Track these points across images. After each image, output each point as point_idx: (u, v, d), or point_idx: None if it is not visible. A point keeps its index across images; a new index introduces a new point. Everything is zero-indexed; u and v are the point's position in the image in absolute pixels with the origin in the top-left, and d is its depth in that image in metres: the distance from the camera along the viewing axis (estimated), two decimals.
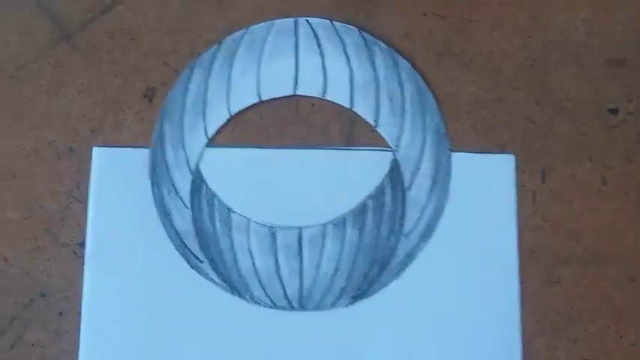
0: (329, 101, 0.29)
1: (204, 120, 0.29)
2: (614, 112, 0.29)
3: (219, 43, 0.29)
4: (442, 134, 0.29)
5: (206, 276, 0.28)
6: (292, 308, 0.27)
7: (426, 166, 0.29)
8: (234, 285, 0.27)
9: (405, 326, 0.27)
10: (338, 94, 0.29)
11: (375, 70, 0.29)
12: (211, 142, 0.29)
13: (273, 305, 0.27)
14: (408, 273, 0.28)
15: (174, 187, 0.28)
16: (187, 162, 0.28)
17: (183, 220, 0.28)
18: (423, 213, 0.28)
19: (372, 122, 0.29)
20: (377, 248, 0.28)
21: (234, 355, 0.27)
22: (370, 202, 0.28)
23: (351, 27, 0.29)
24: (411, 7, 0.30)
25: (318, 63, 0.29)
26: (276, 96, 0.29)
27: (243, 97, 0.29)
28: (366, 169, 0.28)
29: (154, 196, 0.28)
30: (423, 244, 0.28)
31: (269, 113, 0.29)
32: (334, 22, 0.29)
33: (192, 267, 0.28)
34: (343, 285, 0.28)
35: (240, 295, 0.27)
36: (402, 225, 0.28)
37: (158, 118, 0.29)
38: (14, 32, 0.29)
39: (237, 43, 0.29)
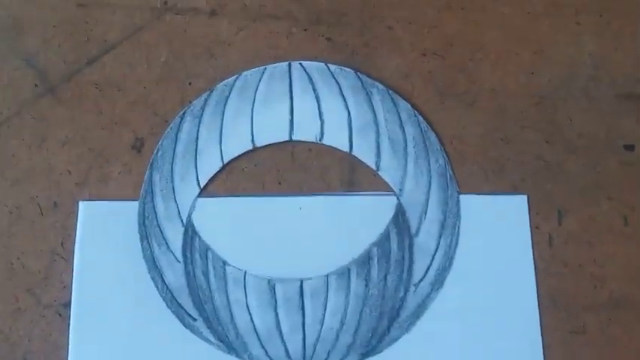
0: (327, 146, 0.43)
1: (195, 169, 0.43)
2: (630, 148, 0.44)
3: (211, 90, 0.44)
4: (449, 177, 0.43)
5: (200, 335, 0.40)
6: None
7: (434, 211, 0.42)
8: (231, 344, 0.40)
9: None
10: (336, 138, 0.44)
11: (374, 112, 0.44)
12: (204, 192, 0.43)
13: None
14: (419, 326, 0.41)
15: (164, 240, 0.42)
16: (179, 213, 0.42)
17: (175, 276, 0.41)
18: (433, 260, 0.42)
19: (373, 166, 0.43)
20: (385, 300, 0.41)
21: None
22: (375, 250, 0.42)
23: (346, 69, 0.45)
24: (409, 47, 0.45)
25: (314, 107, 0.44)
26: (270, 142, 0.43)
27: (237, 144, 0.43)
28: (369, 215, 0.42)
29: (144, 250, 0.42)
30: (435, 294, 0.41)
31: (264, 160, 0.43)
32: (329, 64, 0.45)
33: (185, 326, 0.41)
34: (350, 341, 0.40)
35: (238, 355, 0.40)
36: (410, 274, 0.41)
37: (147, 169, 0.43)
38: None
39: (228, 89, 0.44)
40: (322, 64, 0.44)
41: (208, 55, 0.45)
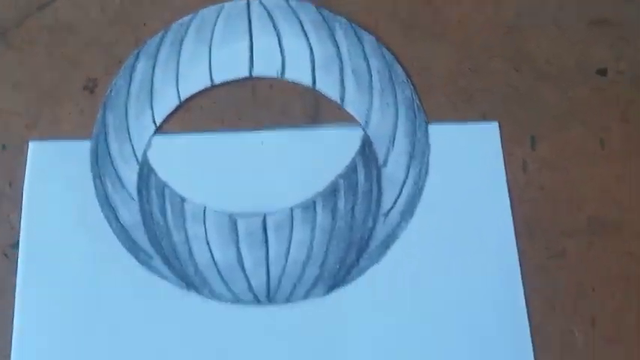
0: (289, 81, 0.47)
1: (151, 108, 0.46)
2: (602, 72, 0.47)
3: (166, 29, 0.48)
4: (416, 107, 0.46)
5: (157, 272, 0.42)
6: (259, 302, 0.42)
7: (401, 141, 0.45)
8: (190, 281, 0.42)
9: (390, 315, 0.41)
10: (298, 74, 0.47)
11: (337, 46, 0.47)
12: (160, 131, 0.45)
13: (237, 300, 0.42)
14: (389, 256, 0.43)
15: (119, 179, 0.44)
16: (134, 151, 0.45)
17: (130, 214, 0.43)
18: (402, 190, 0.44)
19: (337, 100, 0.46)
20: (353, 231, 0.43)
21: (193, 358, 0.40)
22: (342, 182, 0.44)
23: (307, 4, 0.48)
24: None
25: (275, 43, 0.47)
26: (230, 79, 0.47)
27: (194, 82, 0.46)
28: (334, 148, 0.45)
29: (96, 189, 0.44)
30: (405, 224, 0.44)
31: (223, 97, 0.46)
32: (289, 0, 0.48)
33: (141, 263, 0.42)
34: (317, 273, 0.42)
35: (198, 292, 0.42)
36: (379, 205, 0.44)
37: (100, 109, 0.46)
38: None
39: (185, 28, 0.48)
40: (282, 0, 0.48)
41: None
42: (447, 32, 0.47)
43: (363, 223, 0.43)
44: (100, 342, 0.40)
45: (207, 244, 0.42)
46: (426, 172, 0.44)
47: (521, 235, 0.42)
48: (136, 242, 0.42)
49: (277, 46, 0.46)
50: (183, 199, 0.43)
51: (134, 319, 0.41)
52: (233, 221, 0.43)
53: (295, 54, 0.46)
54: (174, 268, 0.42)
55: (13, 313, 0.41)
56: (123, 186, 0.43)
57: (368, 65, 0.46)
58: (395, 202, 0.43)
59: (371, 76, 0.46)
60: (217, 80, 0.46)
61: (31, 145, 0.44)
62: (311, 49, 0.46)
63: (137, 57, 0.46)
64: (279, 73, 0.46)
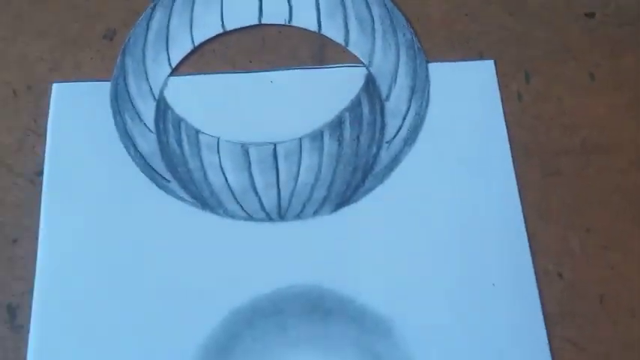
0: (296, 27, 0.55)
1: (167, 52, 0.54)
2: (591, 15, 0.55)
3: None
4: (416, 48, 0.54)
5: (174, 194, 0.50)
6: (271, 219, 0.49)
7: (403, 78, 0.53)
8: (205, 201, 0.49)
9: (396, 229, 0.48)
10: (305, 20, 0.55)
11: None
12: (175, 73, 0.54)
13: (250, 218, 0.49)
14: (394, 177, 0.50)
15: (137, 114, 0.52)
16: (151, 90, 0.53)
17: (148, 144, 0.51)
18: (404, 120, 0.52)
19: (342, 43, 0.54)
20: (358, 157, 0.51)
21: (210, 272, 0.47)
22: (347, 115, 0.52)
23: None
24: None
25: None
26: (240, 26, 0.55)
27: (207, 29, 0.55)
28: (340, 85, 0.53)
29: (116, 124, 0.52)
30: (408, 149, 0.51)
31: (234, 43, 0.55)
32: None
33: (159, 187, 0.50)
34: (325, 194, 0.50)
35: (213, 211, 0.49)
36: (382, 134, 0.51)
37: (119, 54, 0.54)
38: None
39: None
40: None
41: None
42: None
43: (367, 150, 0.50)
44: (120, 259, 0.47)
45: (222, 170, 0.50)
46: (427, 105, 0.52)
47: (518, 157, 0.50)
48: (154, 169, 0.49)
49: None
50: (198, 131, 0.50)
51: (153, 237, 0.47)
52: (245, 150, 0.50)
53: (302, 2, 0.55)
54: (190, 191, 0.49)
55: (38, 231, 0.48)
56: (141, 120, 0.51)
57: (370, 12, 0.55)
58: (398, 131, 0.51)
59: (373, 21, 0.54)
60: (228, 27, 0.54)
61: (54, 87, 0.52)
62: None
63: (154, 8, 0.55)
64: (287, 20, 0.54)
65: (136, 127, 0.50)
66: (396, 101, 0.51)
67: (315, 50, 0.53)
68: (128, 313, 0.45)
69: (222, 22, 0.54)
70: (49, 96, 0.51)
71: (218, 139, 0.50)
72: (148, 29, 0.54)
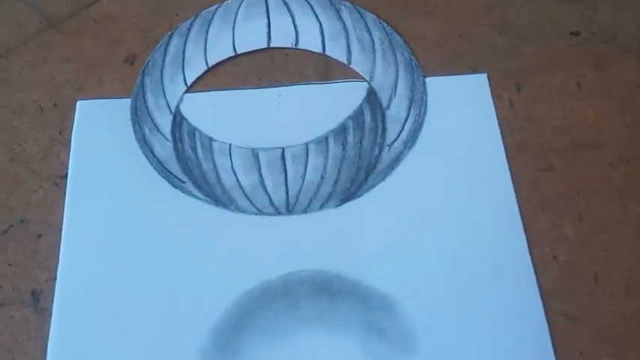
0: (302, 50, 0.61)
1: (183, 72, 0.60)
2: (576, 34, 0.62)
3: (196, 16, 0.63)
4: (414, 65, 0.60)
5: (189, 193, 0.54)
6: (279, 214, 0.54)
7: (402, 90, 0.59)
8: (218, 199, 0.54)
9: (399, 220, 0.53)
10: (310, 43, 0.61)
11: (343, 22, 0.62)
12: (190, 90, 0.60)
13: (260, 212, 0.54)
14: (395, 175, 0.55)
15: (155, 126, 0.58)
16: (167, 105, 0.59)
17: (164, 151, 0.56)
18: (404, 126, 0.57)
19: (345, 62, 0.61)
20: (361, 158, 0.56)
21: (221, 261, 0.51)
22: (350, 122, 0.57)
23: None
24: None
25: (289, 21, 0.62)
26: (250, 49, 0.61)
27: (220, 52, 0.61)
28: (343, 98, 0.58)
29: (135, 133, 0.57)
30: (407, 151, 0.56)
31: (245, 63, 0.61)
32: None
33: (174, 187, 0.55)
34: (330, 190, 0.54)
35: (225, 207, 0.54)
36: (384, 138, 0.57)
37: (139, 75, 0.60)
38: (3, 26, 0.63)
39: (212, 14, 0.63)
40: None
41: None
42: (437, 10, 0.63)
43: (370, 152, 0.55)
44: (138, 247, 0.51)
45: (233, 171, 0.55)
46: (425, 112, 0.57)
47: (512, 155, 0.54)
48: (170, 171, 0.55)
49: (291, 23, 0.62)
50: (211, 139, 0.56)
51: (169, 231, 0.52)
52: (255, 154, 0.55)
53: (307, 29, 0.61)
54: (203, 190, 0.54)
55: (61, 227, 0.52)
56: (158, 130, 0.57)
57: (370, 35, 0.61)
58: (398, 136, 0.56)
59: (373, 43, 0.60)
60: (240, 51, 0.60)
61: (79, 104, 0.58)
62: (320, 25, 0.61)
63: (171, 36, 0.61)
64: (293, 44, 0.61)
65: (154, 136, 0.56)
66: (396, 110, 0.57)
67: (319, 68, 0.59)
68: (144, 296, 0.49)
69: (234, 47, 0.60)
70: (74, 112, 0.57)
71: (230, 145, 0.55)
72: (165, 54, 0.60)
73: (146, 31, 0.61)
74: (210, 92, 0.58)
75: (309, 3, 0.62)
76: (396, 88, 0.58)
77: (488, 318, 0.48)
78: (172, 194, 0.54)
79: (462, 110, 0.57)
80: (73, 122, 0.57)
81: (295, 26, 0.61)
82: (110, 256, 0.51)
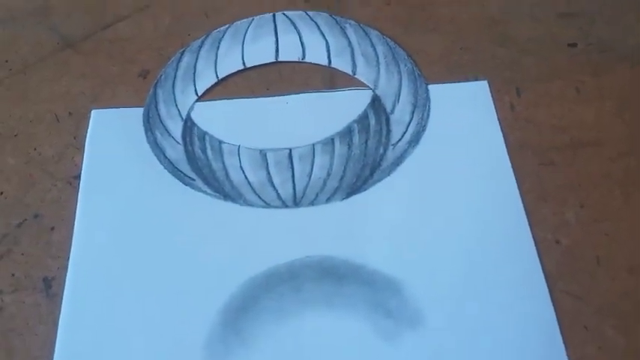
0: (309, 63, 0.65)
1: (194, 84, 0.64)
2: (574, 45, 0.65)
3: (206, 35, 0.68)
4: (417, 74, 0.64)
5: (199, 189, 0.57)
6: (287, 207, 0.56)
7: (406, 97, 0.62)
8: (227, 194, 0.57)
9: (404, 210, 0.55)
10: (316, 58, 0.66)
11: (348, 39, 0.67)
12: (201, 99, 0.63)
13: (267, 205, 0.56)
14: (400, 171, 0.58)
15: (166, 131, 0.61)
16: (179, 113, 0.62)
17: (175, 153, 0.60)
18: (408, 127, 0.60)
19: (350, 73, 0.65)
20: (366, 156, 0.59)
21: (230, 252, 0.54)
22: (355, 125, 0.61)
23: (322, 13, 0.69)
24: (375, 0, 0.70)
25: (296, 38, 0.67)
26: (259, 63, 0.66)
27: (229, 66, 0.65)
28: (348, 104, 0.62)
29: (147, 138, 0.61)
30: (412, 150, 0.59)
31: (254, 76, 0.65)
32: (307, 11, 0.69)
33: (185, 184, 0.58)
34: (337, 185, 0.57)
35: (234, 201, 0.57)
36: (388, 138, 0.60)
37: (151, 87, 0.64)
38: (25, 45, 0.68)
39: (222, 33, 0.68)
40: (302, 12, 0.69)
41: (205, 17, 0.69)
42: (439, 27, 0.67)
43: (375, 151, 0.58)
44: (148, 242, 0.54)
45: (242, 170, 0.58)
46: (428, 115, 0.60)
47: (514, 153, 0.57)
48: (181, 170, 0.58)
49: (298, 40, 0.66)
50: (220, 142, 0.59)
51: (178, 224, 0.55)
52: (263, 154, 0.58)
53: (313, 45, 0.65)
54: (213, 187, 0.57)
55: (74, 220, 0.55)
56: (170, 135, 0.60)
57: (375, 50, 0.65)
58: (402, 136, 0.59)
59: (377, 56, 0.65)
60: (249, 65, 0.65)
61: (93, 112, 0.62)
62: (326, 41, 0.66)
63: (182, 53, 0.66)
64: (300, 58, 0.65)
65: (165, 140, 0.59)
66: (400, 114, 0.60)
67: (326, 79, 0.63)
68: (152, 281, 0.52)
69: (243, 61, 0.64)
70: (88, 120, 0.61)
71: (239, 146, 0.58)
72: (177, 68, 0.64)
73: (159, 49, 0.66)
74: (220, 101, 0.62)
75: (315, 22, 0.66)
76: (399, 95, 0.61)
77: (494, 298, 0.50)
78: (182, 189, 0.56)
79: (464, 112, 0.60)
80: (87, 129, 0.60)
81: (302, 43, 0.65)
82: (121, 244, 0.53)
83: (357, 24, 0.66)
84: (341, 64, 0.64)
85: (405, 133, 0.59)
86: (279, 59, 0.64)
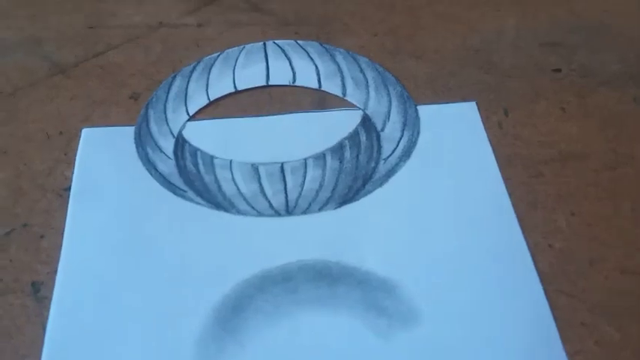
0: (299, 86, 0.67)
1: (185, 105, 0.66)
2: (557, 70, 0.68)
3: (198, 61, 0.70)
4: (406, 96, 0.66)
5: (191, 200, 0.58)
6: (279, 215, 0.57)
7: (396, 116, 0.64)
8: (219, 204, 0.58)
9: (398, 217, 0.56)
10: (307, 81, 0.68)
11: (337, 65, 0.69)
12: (192, 119, 0.65)
13: (260, 214, 0.57)
14: (391, 182, 0.59)
15: (158, 147, 0.62)
16: (170, 131, 0.64)
17: (167, 167, 0.61)
18: (399, 143, 0.62)
19: (340, 95, 0.67)
20: (358, 169, 0.60)
21: (223, 259, 0.54)
22: (347, 142, 0.62)
23: (312, 42, 0.71)
24: (364, 32, 0.73)
25: (286, 64, 0.69)
26: (250, 87, 0.67)
27: (221, 89, 0.67)
28: (339, 123, 0.64)
29: (139, 153, 0.62)
30: (403, 163, 0.61)
31: (245, 98, 0.67)
32: (297, 40, 0.71)
33: (177, 195, 0.59)
34: (329, 195, 0.58)
35: (226, 211, 0.58)
36: (380, 153, 0.62)
37: (143, 108, 0.66)
38: (16, 71, 0.70)
39: (213, 60, 0.70)
40: (292, 41, 0.71)
41: (196, 47, 0.72)
42: (426, 55, 0.69)
43: (366, 164, 0.60)
44: (141, 252, 0.54)
45: (234, 182, 0.59)
46: (418, 133, 0.62)
47: (504, 167, 0.59)
48: (173, 183, 0.59)
49: (288, 65, 0.68)
50: (212, 157, 0.61)
51: (169, 231, 0.55)
52: (255, 168, 0.60)
53: (303, 70, 0.68)
54: (205, 198, 0.58)
55: (63, 229, 0.56)
56: (161, 151, 0.61)
57: (364, 75, 0.67)
58: (393, 151, 0.61)
59: (367, 80, 0.67)
60: (240, 88, 0.67)
61: (84, 131, 0.63)
62: (316, 66, 0.68)
63: (174, 77, 0.68)
64: (291, 82, 0.67)
65: (157, 155, 0.60)
66: (391, 131, 0.62)
67: (316, 101, 0.65)
68: (144, 285, 0.52)
69: (235, 85, 0.66)
70: (79, 138, 0.62)
71: (231, 160, 0.60)
72: (169, 91, 0.66)
73: (150, 75, 0.67)
74: (211, 120, 0.63)
75: (305, 50, 0.69)
76: (389, 114, 0.63)
77: (489, 298, 0.51)
78: (175, 200, 0.57)
79: (454, 129, 0.62)
80: (77, 145, 0.61)
81: (292, 68, 0.67)
82: (112, 249, 0.54)
83: (346, 51, 0.69)
84: (331, 87, 0.66)
85: (395, 148, 0.60)
86: (270, 83, 0.66)
